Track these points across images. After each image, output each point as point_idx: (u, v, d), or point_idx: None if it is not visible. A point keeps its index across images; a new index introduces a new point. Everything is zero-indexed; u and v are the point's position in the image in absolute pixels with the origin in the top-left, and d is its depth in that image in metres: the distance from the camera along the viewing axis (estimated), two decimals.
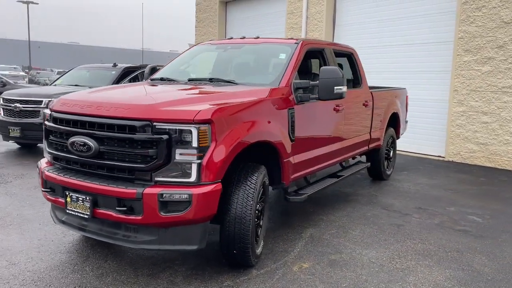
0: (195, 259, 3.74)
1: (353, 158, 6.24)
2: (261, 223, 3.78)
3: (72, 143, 3.28)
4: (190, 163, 3.02)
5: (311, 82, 4.16)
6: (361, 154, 6.16)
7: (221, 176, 3.16)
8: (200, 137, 3.02)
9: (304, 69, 4.87)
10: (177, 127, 3.01)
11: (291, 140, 4.03)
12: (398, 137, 7.37)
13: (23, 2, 43.39)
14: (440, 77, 9.12)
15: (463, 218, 5.13)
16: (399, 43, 9.90)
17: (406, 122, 7.78)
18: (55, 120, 3.52)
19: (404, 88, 7.69)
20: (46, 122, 3.64)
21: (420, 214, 5.23)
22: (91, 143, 3.18)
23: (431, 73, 9.28)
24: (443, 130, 9.06)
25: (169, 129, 3.01)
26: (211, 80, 4.34)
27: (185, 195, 2.99)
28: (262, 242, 3.81)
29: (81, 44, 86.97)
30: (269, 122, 3.68)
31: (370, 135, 6.04)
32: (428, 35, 9.31)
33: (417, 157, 9.29)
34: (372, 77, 10.68)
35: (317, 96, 4.16)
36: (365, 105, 5.71)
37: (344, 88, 4.17)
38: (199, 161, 3.03)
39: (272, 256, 3.86)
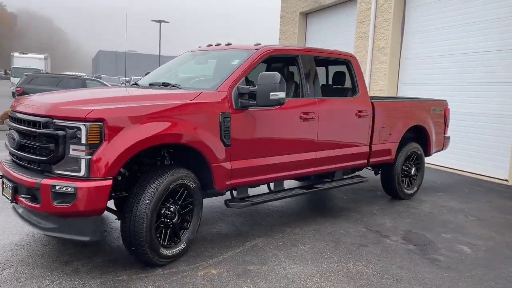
0: (120, 253, 3.94)
1: (353, 171, 5.87)
2: (187, 225, 3.87)
3: (7, 136, 3.76)
4: (81, 159, 3.25)
5: (251, 88, 4.09)
6: (357, 168, 5.73)
7: (113, 173, 3.32)
8: (89, 134, 3.23)
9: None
10: (71, 124, 3.27)
11: (226, 145, 4.01)
12: (428, 154, 6.65)
13: (156, 21, 48.47)
14: (503, 89, 7.97)
15: (450, 247, 4.47)
16: (462, 51, 8.91)
17: (447, 138, 6.98)
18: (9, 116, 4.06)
19: (443, 100, 6.93)
20: None
21: (402, 237, 4.70)
22: (16, 136, 3.62)
23: (494, 84, 8.15)
24: (507, 150, 7.87)
25: (64, 125, 3.29)
26: (164, 84, 4.53)
27: (71, 188, 3.23)
28: (184, 244, 3.86)
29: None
30: (190, 125, 3.73)
31: (370, 148, 5.60)
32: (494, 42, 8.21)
33: (474, 178, 8.20)
34: (430, 88, 9.83)
35: (256, 103, 4.07)
36: (358, 115, 5.33)
37: (280, 94, 4.02)
38: (88, 157, 3.24)
39: (192, 260, 3.87)
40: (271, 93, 4.01)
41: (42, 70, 30.87)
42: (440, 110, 6.71)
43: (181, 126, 3.68)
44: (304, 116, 4.69)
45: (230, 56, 4.69)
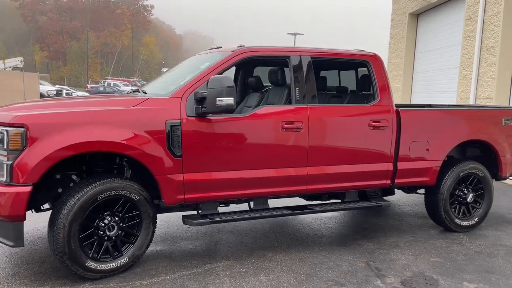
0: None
1: (385, 193, 4.94)
2: (133, 240, 3.67)
3: None
4: (3, 163, 3.29)
5: (203, 93, 3.69)
6: (372, 189, 4.73)
7: (33, 180, 3.28)
8: (10, 140, 3.25)
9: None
10: None
11: (175, 156, 3.68)
12: (501, 177, 5.24)
13: (292, 34, 49.49)
14: None
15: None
16: None
17: None
18: None
19: None
20: None
21: (401, 281, 3.71)
22: None
23: None
24: None
25: None
26: (138, 91, 4.39)
27: None
28: (127, 259, 3.65)
29: None
30: (125, 133, 3.51)
31: (396, 166, 4.60)
32: None
33: None
34: None
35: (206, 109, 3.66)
36: (373, 126, 4.43)
37: (227, 100, 3.54)
38: (10, 162, 3.27)
39: (130, 277, 3.63)
40: (217, 99, 3.56)
41: None
42: None
43: (113, 133, 3.48)
44: (287, 125, 4.07)
45: (205, 60, 4.33)
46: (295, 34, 49.48)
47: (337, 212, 5.67)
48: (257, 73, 5.25)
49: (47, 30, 77.64)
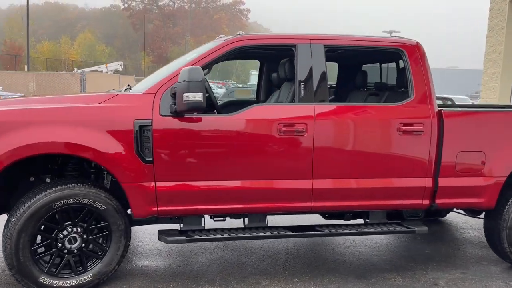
0: None
1: (427, 214, 3.99)
2: (101, 254, 3.26)
3: None
4: None
5: (175, 88, 3.12)
6: (431, 213, 3.78)
7: None
8: None
9: None
10: None
11: (145, 161, 3.18)
12: None
13: (387, 32, 46.85)
14: None
15: None
16: None
17: None
18: None
19: None
20: None
21: None
22: None
23: None
24: None
25: None
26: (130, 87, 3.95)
27: None
28: (91, 276, 3.23)
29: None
30: (88, 133, 3.08)
31: (436, 182, 3.60)
32: None
33: None
34: None
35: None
36: (403, 130, 3.49)
37: (194, 97, 2.92)
38: None
39: None
40: (184, 94, 2.97)
41: None
42: None
43: (67, 134, 3.06)
44: (285, 128, 3.33)
45: (196, 51, 3.76)
46: (390, 32, 46.89)
47: None
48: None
49: (152, 36, 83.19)
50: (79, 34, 67.38)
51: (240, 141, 3.30)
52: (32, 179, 3.45)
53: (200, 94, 2.96)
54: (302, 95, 3.44)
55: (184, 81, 2.98)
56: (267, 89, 4.94)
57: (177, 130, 3.21)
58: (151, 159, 3.19)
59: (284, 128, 3.33)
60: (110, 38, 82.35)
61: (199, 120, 3.24)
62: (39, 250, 3.17)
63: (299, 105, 3.42)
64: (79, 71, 29.22)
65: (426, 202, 3.65)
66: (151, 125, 3.17)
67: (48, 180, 3.46)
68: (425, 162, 3.57)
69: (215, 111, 3.71)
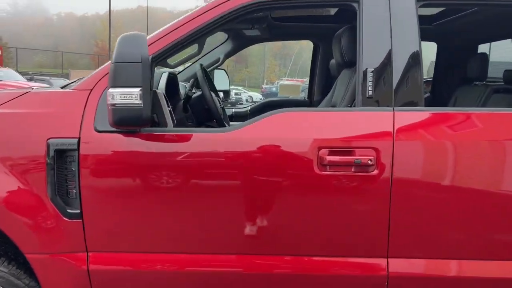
0: None
1: None
2: None
3: None
4: None
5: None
6: None
7: None
8: None
9: None
10: None
11: (67, 216, 1.73)
12: None
13: None
14: None
15: None
16: None
17: None
18: None
19: None
20: None
21: None
22: None
23: None
24: None
25: None
26: None
27: None
28: None
29: None
30: None
31: None
32: None
33: None
34: None
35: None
36: None
37: (128, 96, 1.43)
38: None
39: None
40: (108, 93, 1.47)
41: None
42: None
43: None
44: (333, 159, 1.67)
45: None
46: None
47: None
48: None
49: None
50: None
51: (242, 183, 1.71)
52: None
53: (137, 90, 1.43)
54: (370, 93, 1.75)
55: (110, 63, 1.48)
56: (323, 83, 3.29)
57: (125, 158, 1.71)
58: (79, 211, 1.72)
59: (330, 158, 1.67)
60: None
61: (168, 139, 1.71)
62: None
63: (363, 111, 1.74)
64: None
65: None
66: (78, 148, 1.70)
67: None
68: None
69: (215, 120, 2.18)
